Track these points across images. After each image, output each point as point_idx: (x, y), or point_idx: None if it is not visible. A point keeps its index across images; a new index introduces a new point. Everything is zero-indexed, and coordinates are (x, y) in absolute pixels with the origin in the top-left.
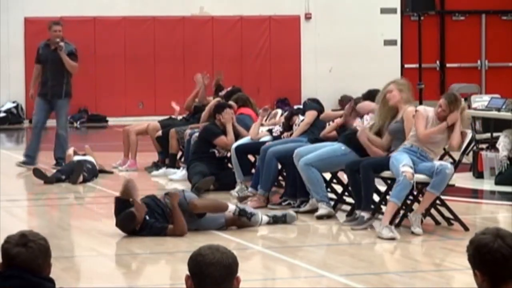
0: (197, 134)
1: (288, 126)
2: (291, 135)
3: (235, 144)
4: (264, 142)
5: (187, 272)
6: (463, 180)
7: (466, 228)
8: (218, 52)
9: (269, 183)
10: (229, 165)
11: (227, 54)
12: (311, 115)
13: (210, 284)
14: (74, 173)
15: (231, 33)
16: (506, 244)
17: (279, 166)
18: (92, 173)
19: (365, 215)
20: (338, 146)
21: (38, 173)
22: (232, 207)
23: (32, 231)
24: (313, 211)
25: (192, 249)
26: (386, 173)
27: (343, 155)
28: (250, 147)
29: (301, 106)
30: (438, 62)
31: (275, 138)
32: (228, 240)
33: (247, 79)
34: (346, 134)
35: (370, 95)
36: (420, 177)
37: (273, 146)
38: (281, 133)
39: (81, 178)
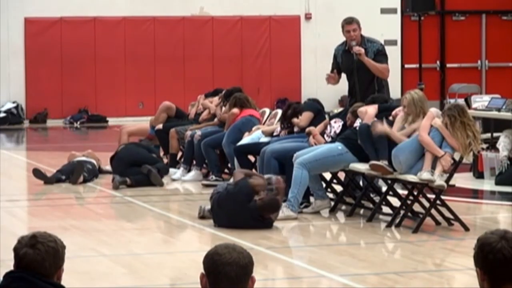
0: (198, 133)
1: (287, 123)
2: (288, 132)
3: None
4: (264, 143)
5: (202, 271)
6: (463, 180)
7: (466, 228)
8: (218, 52)
9: None
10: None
11: (227, 54)
12: (306, 117)
13: (226, 284)
14: (74, 174)
15: (231, 33)
16: (510, 246)
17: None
18: (93, 173)
19: (384, 163)
20: (334, 146)
21: (38, 174)
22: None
23: (45, 232)
24: (314, 212)
25: (192, 250)
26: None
27: (339, 155)
28: (250, 148)
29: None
30: (438, 62)
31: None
32: (227, 240)
33: (247, 79)
34: (345, 134)
35: (375, 101)
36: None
37: (271, 145)
38: (280, 130)
39: (81, 179)
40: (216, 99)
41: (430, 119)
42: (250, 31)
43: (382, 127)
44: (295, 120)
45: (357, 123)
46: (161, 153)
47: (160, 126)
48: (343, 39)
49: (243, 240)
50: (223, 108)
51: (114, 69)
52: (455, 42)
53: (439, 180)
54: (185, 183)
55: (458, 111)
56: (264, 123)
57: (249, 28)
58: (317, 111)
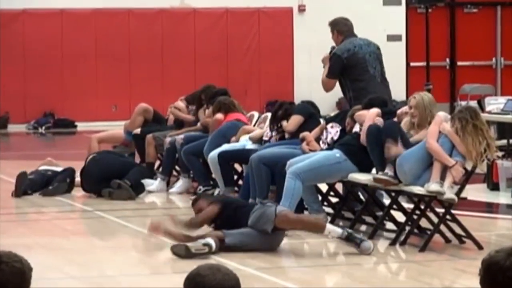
0: (181, 136)
1: (277, 125)
2: (280, 138)
3: (219, 151)
4: (252, 150)
5: None
6: (476, 192)
7: (480, 247)
8: (200, 50)
9: (265, 191)
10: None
11: (211, 52)
12: (295, 122)
13: None
14: (51, 184)
15: (215, 27)
16: None
17: None
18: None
19: (389, 172)
20: (332, 153)
21: (22, 177)
22: (335, 229)
23: (10, 252)
24: None
25: (171, 271)
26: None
27: (337, 163)
28: (236, 155)
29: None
30: (448, 60)
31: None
32: (211, 260)
33: (233, 80)
34: (344, 140)
35: (373, 103)
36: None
37: (260, 151)
38: (270, 135)
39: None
40: (181, 104)
41: (438, 124)
42: (236, 26)
43: (397, 149)
44: (284, 123)
45: (356, 128)
46: (137, 161)
47: (138, 130)
48: None
49: (229, 259)
50: (206, 111)
51: (84, 67)
52: (466, 38)
53: (449, 193)
54: (164, 194)
55: (470, 113)
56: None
57: (235, 22)
58: (309, 115)
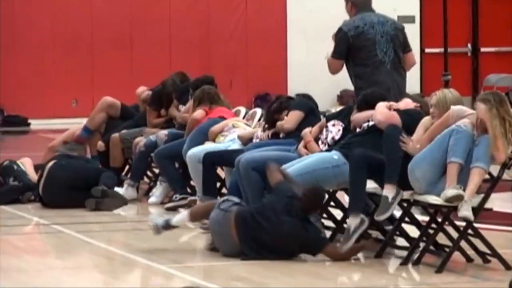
0: (165, 132)
1: (271, 119)
2: (272, 135)
3: (202, 150)
4: (239, 150)
5: None
6: (503, 202)
7: (507, 266)
8: (177, 34)
9: (259, 199)
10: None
11: (189, 37)
12: (294, 118)
13: None
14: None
15: (194, 8)
16: None
17: None
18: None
19: (389, 194)
20: (329, 155)
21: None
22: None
23: None
24: None
25: None
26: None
27: (334, 167)
28: (222, 157)
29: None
30: (469, 45)
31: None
32: (189, 281)
33: (216, 70)
34: (346, 140)
35: (368, 100)
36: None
37: (248, 154)
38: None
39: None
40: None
41: (447, 119)
42: (219, 6)
43: (414, 148)
44: (278, 122)
45: (363, 126)
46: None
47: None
48: (341, 15)
49: (209, 281)
50: (181, 107)
51: (39, 56)
52: (491, 20)
53: (465, 209)
54: (133, 203)
55: (494, 97)
56: None
57: (218, 2)
58: (309, 110)
